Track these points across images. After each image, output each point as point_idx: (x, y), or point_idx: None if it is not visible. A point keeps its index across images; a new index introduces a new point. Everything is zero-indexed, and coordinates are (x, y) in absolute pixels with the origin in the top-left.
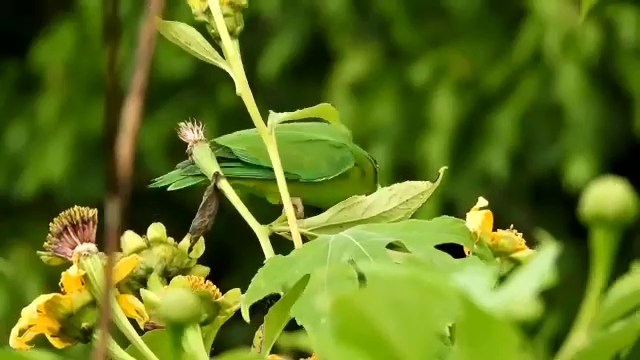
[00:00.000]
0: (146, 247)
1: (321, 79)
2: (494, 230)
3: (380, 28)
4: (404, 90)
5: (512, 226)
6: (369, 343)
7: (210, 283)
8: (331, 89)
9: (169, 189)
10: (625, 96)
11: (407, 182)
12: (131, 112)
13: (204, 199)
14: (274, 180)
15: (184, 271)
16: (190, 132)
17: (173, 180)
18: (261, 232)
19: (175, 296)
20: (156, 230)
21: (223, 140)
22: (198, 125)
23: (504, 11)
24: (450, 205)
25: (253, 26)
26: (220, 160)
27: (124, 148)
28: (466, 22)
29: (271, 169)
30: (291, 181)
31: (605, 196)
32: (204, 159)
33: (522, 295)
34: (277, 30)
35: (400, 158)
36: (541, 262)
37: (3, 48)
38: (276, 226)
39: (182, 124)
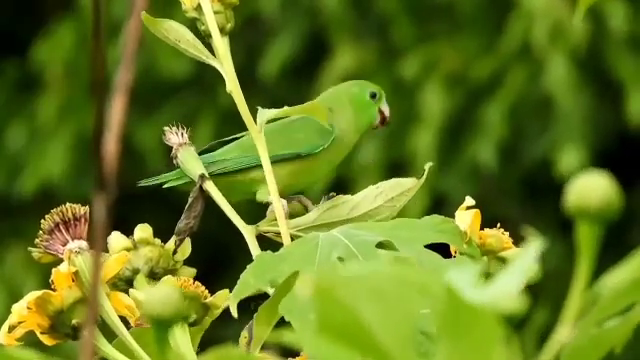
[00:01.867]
0: (132, 248)
1: (319, 79)
2: (483, 227)
3: (379, 26)
4: (394, 84)
5: (499, 225)
6: (350, 332)
7: (199, 284)
8: (323, 84)
9: (164, 186)
10: (614, 86)
11: (394, 179)
12: (117, 109)
13: (189, 200)
14: (275, 163)
15: (171, 272)
16: (174, 136)
17: (165, 179)
18: (248, 232)
19: (159, 293)
20: (143, 231)
21: (213, 156)
22: (183, 129)
23: (492, 4)
24: (440, 199)
25: (253, 26)
26: (213, 164)
27: (110, 145)
28: (455, 16)
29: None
30: (293, 159)
31: (588, 188)
32: (189, 161)
33: (508, 290)
34: (277, 30)
35: (390, 152)
36: (526, 257)
37: (3, 48)
38: (263, 226)
39: (166, 128)
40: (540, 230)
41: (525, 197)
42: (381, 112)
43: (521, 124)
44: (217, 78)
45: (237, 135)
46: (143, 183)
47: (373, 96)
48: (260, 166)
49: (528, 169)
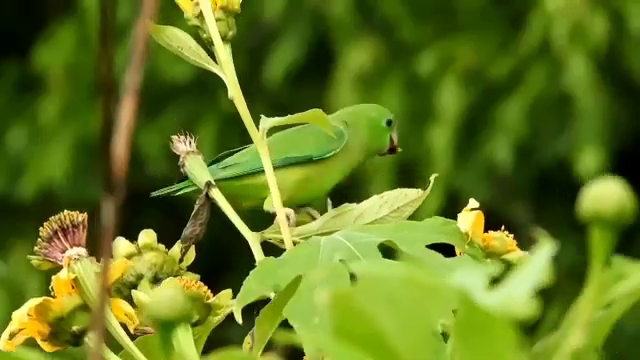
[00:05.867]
0: (137, 253)
1: (326, 81)
2: (498, 224)
3: (384, 30)
4: (410, 81)
5: (503, 227)
6: (366, 339)
7: (202, 284)
8: (336, 81)
9: (151, 195)
10: (633, 86)
11: (398, 189)
12: (126, 112)
13: (195, 208)
14: (288, 166)
15: None
16: (182, 144)
17: (176, 189)
18: (253, 239)
19: (164, 294)
20: (147, 236)
21: (226, 162)
22: (190, 137)
23: (510, 1)
24: (455, 196)
25: (257, 31)
26: (225, 169)
27: (119, 148)
28: (471, 13)
29: (283, 157)
30: (305, 163)
31: (603, 195)
32: (196, 169)
33: (519, 294)
34: (282, 34)
35: (406, 149)
36: (538, 261)
37: (4, 49)
38: (268, 233)
39: (174, 137)
40: (554, 229)
41: (541, 196)
42: (391, 140)
43: (539, 123)
44: (219, 82)
45: (247, 146)
46: (155, 194)
47: (389, 123)
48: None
49: (545, 168)
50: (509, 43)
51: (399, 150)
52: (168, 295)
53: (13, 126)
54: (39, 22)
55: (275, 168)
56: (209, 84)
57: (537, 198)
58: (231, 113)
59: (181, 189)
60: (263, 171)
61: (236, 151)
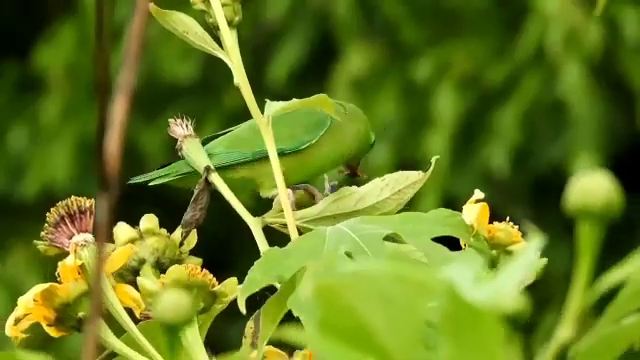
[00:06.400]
0: (139, 238)
1: (325, 83)
2: (491, 224)
3: (386, 29)
4: (406, 87)
5: (507, 219)
6: (352, 333)
7: (207, 272)
8: (333, 86)
9: (151, 184)
10: (628, 93)
11: (399, 172)
12: (119, 109)
13: (195, 193)
14: (266, 159)
15: (177, 262)
16: (179, 128)
17: (156, 176)
18: (254, 224)
19: (170, 298)
20: (149, 221)
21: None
22: (187, 120)
23: (506, 8)
24: (451, 202)
25: (261, 31)
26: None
27: (112, 145)
28: (468, 19)
29: (258, 150)
30: (278, 156)
31: (590, 188)
32: (194, 153)
33: (508, 288)
34: (285, 34)
35: (402, 155)
36: (526, 255)
37: (4, 49)
38: (269, 218)
39: (171, 120)
40: (550, 234)
41: (537, 202)
42: (359, 163)
43: (534, 129)
44: (222, 82)
45: (230, 129)
46: (134, 181)
47: (371, 145)
48: (248, 162)
49: (541, 174)
50: (505, 49)
51: (364, 176)
52: (174, 300)
53: (14, 126)
54: (39, 22)
55: (247, 162)
56: (212, 84)
57: (533, 204)
58: (234, 113)
59: (155, 178)
60: (239, 164)
61: (217, 136)
